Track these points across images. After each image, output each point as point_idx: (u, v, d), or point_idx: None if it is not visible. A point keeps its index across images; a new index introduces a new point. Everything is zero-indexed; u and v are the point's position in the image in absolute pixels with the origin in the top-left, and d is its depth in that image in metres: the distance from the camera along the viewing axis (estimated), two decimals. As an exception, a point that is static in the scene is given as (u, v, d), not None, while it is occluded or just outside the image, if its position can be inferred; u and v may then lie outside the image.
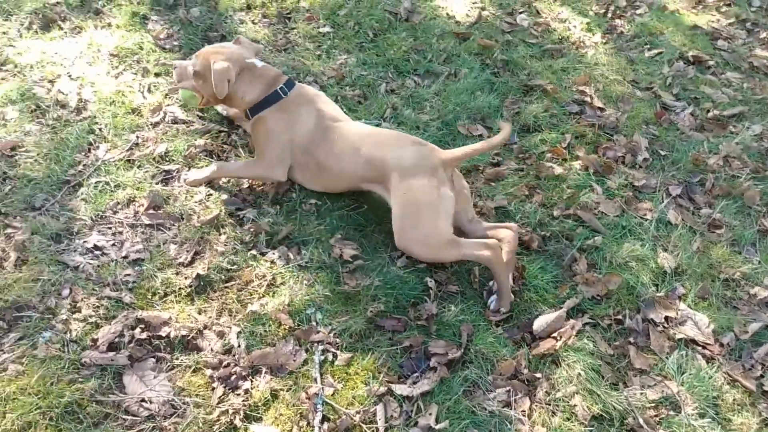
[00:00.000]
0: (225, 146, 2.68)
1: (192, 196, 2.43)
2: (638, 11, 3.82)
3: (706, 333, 2.14)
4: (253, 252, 2.20)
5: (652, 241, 2.43)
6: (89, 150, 2.59)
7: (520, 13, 3.69)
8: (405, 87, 3.08)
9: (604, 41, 3.55)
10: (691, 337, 2.12)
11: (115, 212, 2.35)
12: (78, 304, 1.97)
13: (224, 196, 2.42)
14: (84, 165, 2.51)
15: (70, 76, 2.96)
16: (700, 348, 2.09)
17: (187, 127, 2.76)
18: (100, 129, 2.69)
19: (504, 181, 2.64)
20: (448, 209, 2.10)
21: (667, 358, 2.04)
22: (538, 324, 2.08)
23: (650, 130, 2.98)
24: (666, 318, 2.17)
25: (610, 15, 3.77)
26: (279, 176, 2.40)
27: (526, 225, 2.44)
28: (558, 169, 2.68)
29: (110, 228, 2.28)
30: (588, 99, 3.11)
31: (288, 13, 3.50)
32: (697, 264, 2.36)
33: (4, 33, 3.19)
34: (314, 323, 2.00)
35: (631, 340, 2.10)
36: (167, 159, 2.59)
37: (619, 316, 2.15)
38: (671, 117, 3.08)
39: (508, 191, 2.58)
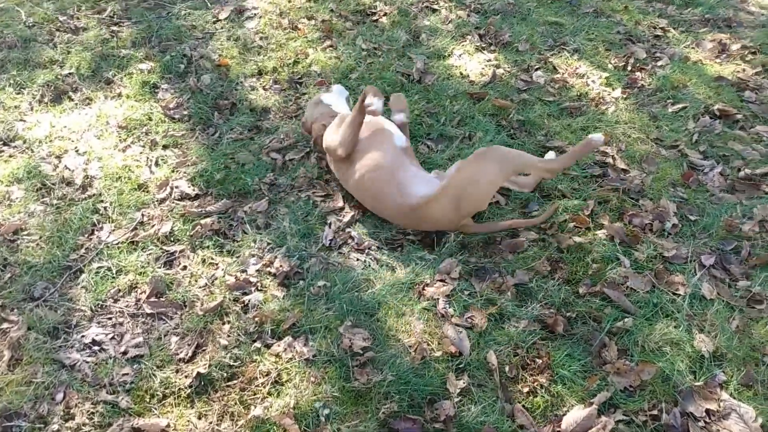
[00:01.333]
0: (232, 223, 2.58)
1: (196, 281, 2.33)
2: (659, 63, 3.69)
3: (753, 428, 1.94)
4: (258, 345, 2.08)
5: (686, 321, 2.25)
6: (92, 231, 2.52)
7: (536, 69, 3.59)
8: (418, 153, 2.97)
9: (624, 96, 3.42)
10: (736, 433, 1.92)
11: (115, 300, 2.25)
12: (72, 411, 1.85)
13: (230, 280, 2.32)
14: (86, 248, 2.43)
15: (77, 150, 2.93)
16: (747, 448, 1.90)
17: (194, 202, 2.68)
18: (104, 208, 2.62)
19: (524, 254, 2.50)
20: None
21: (711, 460, 1.85)
22: (567, 423, 1.91)
23: (678, 193, 2.82)
24: (707, 411, 1.98)
25: (630, 68, 3.65)
26: None
27: (549, 305, 2.28)
28: (581, 240, 2.52)
29: (110, 319, 2.18)
30: (610, 160, 2.97)
31: (299, 79, 3.46)
32: (738, 346, 2.17)
33: (16, 107, 3.19)
34: (321, 429, 1.85)
35: (670, 438, 1.92)
36: (172, 239, 2.50)
37: (655, 411, 1.97)
38: (699, 177, 2.91)
39: (528, 265, 2.43)
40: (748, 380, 2.08)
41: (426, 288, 2.33)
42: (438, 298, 2.29)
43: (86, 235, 2.49)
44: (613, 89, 3.49)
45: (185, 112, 3.19)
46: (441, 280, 2.36)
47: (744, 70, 3.69)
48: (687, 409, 1.98)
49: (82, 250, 2.42)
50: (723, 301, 2.33)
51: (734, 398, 2.02)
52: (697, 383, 2.04)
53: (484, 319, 2.19)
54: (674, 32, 4.03)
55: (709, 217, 2.69)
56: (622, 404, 1.98)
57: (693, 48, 3.87)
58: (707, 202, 2.78)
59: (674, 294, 2.35)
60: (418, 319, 2.22)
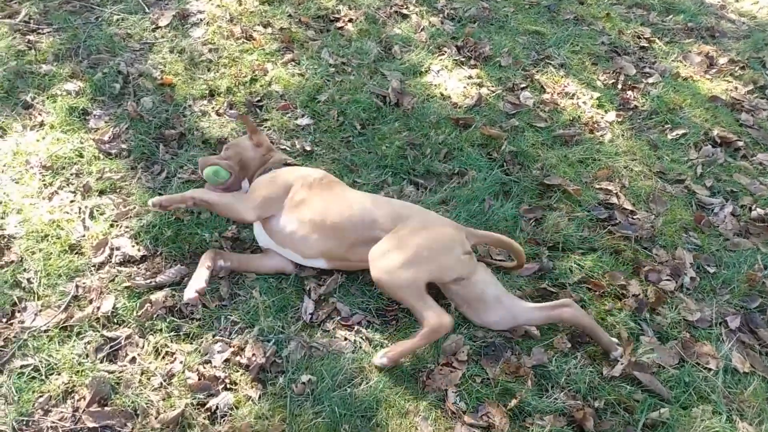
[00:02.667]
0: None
1: (149, 379, 1.88)
2: (650, 80, 3.43)
3: None
4: (235, 475, 1.67)
5: (724, 404, 1.98)
6: (13, 314, 2.02)
7: (523, 88, 3.25)
8: (405, 195, 2.58)
9: (619, 120, 3.14)
10: None
11: (46, 412, 1.78)
12: None
13: (191, 378, 1.88)
14: (5, 339, 1.94)
15: (-11, 201, 2.38)
16: None
17: (140, 267, 2.21)
18: (28, 279, 2.12)
19: (539, 328, 2.17)
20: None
21: None
22: None
23: (691, 239, 2.56)
24: None
25: (620, 86, 3.37)
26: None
27: (574, 392, 1.96)
28: (597, 307, 2.22)
29: (39, 442, 1.71)
30: (615, 200, 2.67)
31: (259, 101, 2.98)
32: (783, 433, 1.93)
33: None
34: None
35: None
36: (115, 320, 2.04)
37: None
38: (710, 218, 2.67)
39: (545, 342, 2.11)
40: (800, 477, 1.84)
41: (431, 376, 1.97)
42: (446, 389, 1.93)
43: (5, 320, 1.99)
44: (606, 112, 3.20)
45: (124, 146, 2.67)
46: (447, 364, 2.01)
47: (736, 88, 3.48)
48: None
49: (0, 342, 1.93)
50: (758, 374, 2.09)
51: (788, 502, 1.77)
52: (749, 489, 1.79)
53: (504, 417, 1.85)
54: (660, 43, 3.78)
55: (728, 268, 2.45)
56: None
57: (681, 62, 3.64)
58: (723, 250, 2.53)
59: (705, 368, 2.09)
60: (425, 419, 1.85)
